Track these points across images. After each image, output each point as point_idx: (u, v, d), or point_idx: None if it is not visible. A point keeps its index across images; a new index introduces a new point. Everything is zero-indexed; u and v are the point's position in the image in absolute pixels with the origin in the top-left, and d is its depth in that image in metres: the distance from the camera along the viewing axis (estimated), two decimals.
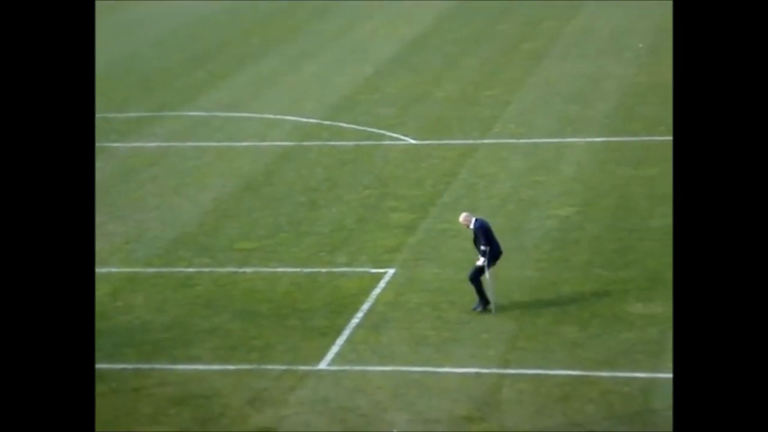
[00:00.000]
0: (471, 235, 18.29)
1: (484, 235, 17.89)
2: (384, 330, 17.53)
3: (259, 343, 17.25)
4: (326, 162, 26.05)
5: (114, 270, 20.41)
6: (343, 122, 29.08)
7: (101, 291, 19.47)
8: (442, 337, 17.22)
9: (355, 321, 17.88)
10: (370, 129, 28.34)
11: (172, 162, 26.59)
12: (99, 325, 18.10)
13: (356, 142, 27.40)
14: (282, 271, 20.02)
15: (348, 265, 20.20)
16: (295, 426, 14.91)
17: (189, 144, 27.87)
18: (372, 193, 23.87)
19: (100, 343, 17.48)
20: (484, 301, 17.93)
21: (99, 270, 20.37)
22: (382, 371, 16.28)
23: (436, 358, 16.58)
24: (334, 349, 16.97)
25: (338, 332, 17.50)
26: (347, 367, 16.46)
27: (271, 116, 29.92)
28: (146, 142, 28.20)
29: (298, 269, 20.08)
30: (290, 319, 18.01)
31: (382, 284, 19.26)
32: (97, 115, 30.73)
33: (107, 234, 22.12)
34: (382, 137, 27.66)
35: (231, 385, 16.04)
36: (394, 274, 19.65)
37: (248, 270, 20.06)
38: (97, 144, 28.00)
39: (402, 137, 27.55)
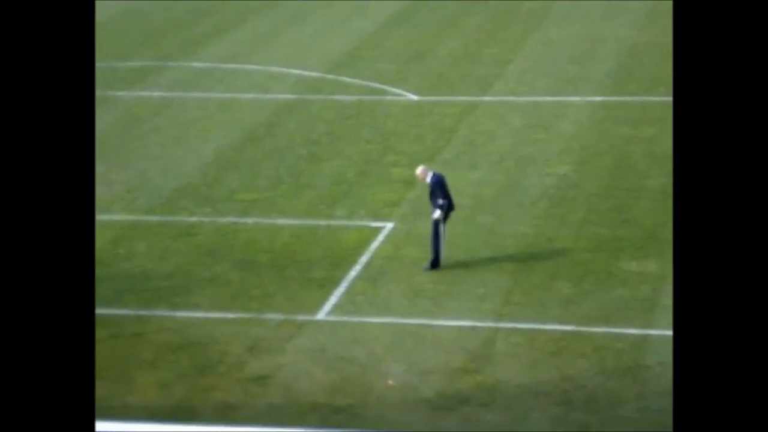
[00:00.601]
0: (428, 189, 18.23)
1: (440, 189, 17.98)
2: (381, 282, 17.78)
3: (258, 293, 17.50)
4: (328, 116, 26.19)
5: (116, 217, 20.63)
6: (346, 77, 29.17)
7: (103, 238, 19.70)
8: (438, 290, 17.47)
9: (353, 273, 18.12)
10: (372, 84, 28.44)
11: (175, 112, 26.71)
12: (100, 271, 18.35)
13: (358, 97, 27.51)
14: (282, 223, 20.24)
15: (347, 218, 20.42)
16: (292, 374, 15.19)
17: (192, 95, 27.98)
18: (373, 147, 24.03)
19: (101, 289, 17.73)
20: (436, 260, 17.90)
21: (101, 217, 20.59)
22: (379, 323, 16.55)
23: (432, 311, 16.84)
24: (332, 300, 17.23)
25: (336, 284, 17.74)
26: (345, 318, 16.72)
27: (275, 69, 30.01)
28: (150, 91, 28.31)
29: (298, 221, 20.30)
30: (289, 270, 18.25)
31: (380, 238, 19.48)
32: (102, 64, 30.81)
33: (109, 182, 22.31)
34: (384, 92, 27.77)
35: (230, 332, 16.30)
36: (393, 228, 19.87)
37: (248, 221, 20.28)
38: (101, 93, 28.12)
39: (403, 93, 27.66)
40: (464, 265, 18.26)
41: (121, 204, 21.29)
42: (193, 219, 20.51)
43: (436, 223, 17.97)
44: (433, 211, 18.01)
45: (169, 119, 26.23)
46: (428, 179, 18.16)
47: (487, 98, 27.04)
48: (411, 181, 21.97)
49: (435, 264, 18.04)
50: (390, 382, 14.98)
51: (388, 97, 27.38)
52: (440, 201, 17.92)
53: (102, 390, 14.85)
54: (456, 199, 21.07)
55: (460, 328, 16.33)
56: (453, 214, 18.40)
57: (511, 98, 27.00)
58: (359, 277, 17.98)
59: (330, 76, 29.25)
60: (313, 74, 29.45)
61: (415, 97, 27.36)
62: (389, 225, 20.01)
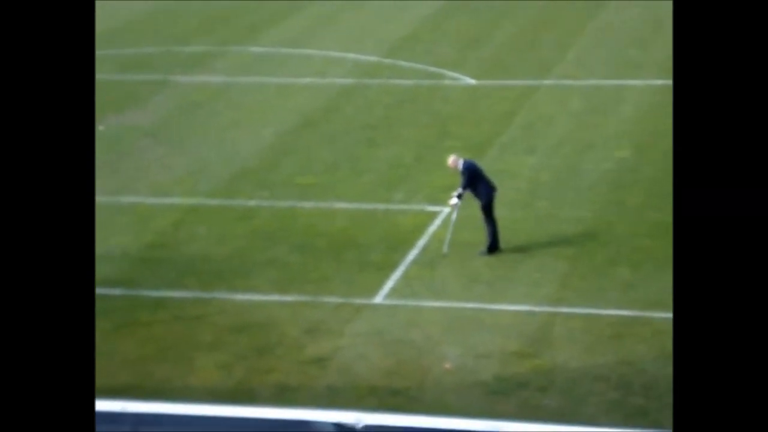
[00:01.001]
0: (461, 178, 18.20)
1: (467, 176, 17.98)
2: (438, 267, 17.80)
3: (315, 276, 17.61)
4: (385, 100, 26.21)
5: (176, 201, 20.86)
6: (403, 61, 29.17)
7: (165, 221, 19.94)
8: (495, 274, 17.46)
9: (410, 257, 18.17)
10: (429, 68, 28.41)
11: (234, 97, 26.91)
12: (162, 253, 18.60)
13: (416, 81, 27.50)
14: (339, 207, 20.33)
15: (405, 202, 20.46)
16: (349, 356, 15.29)
17: (251, 79, 28.16)
18: (430, 132, 24.02)
19: (163, 271, 17.96)
20: (494, 246, 17.92)
21: (162, 201, 20.85)
22: (436, 306, 16.58)
23: (489, 296, 16.84)
24: (389, 284, 17.29)
25: (393, 267, 17.80)
26: (402, 302, 16.78)
27: (332, 54, 30.09)
28: (209, 76, 28.54)
29: (355, 205, 20.38)
30: (347, 254, 18.34)
31: (437, 222, 19.49)
32: (162, 49, 31.13)
33: (170, 166, 22.56)
34: (441, 77, 27.73)
35: (288, 315, 16.44)
36: (450, 213, 19.86)
37: (306, 205, 20.40)
38: (161, 77, 28.42)
39: (461, 77, 27.60)
40: (521, 249, 18.22)
41: (182, 188, 21.52)
42: (252, 203, 20.68)
43: (486, 209, 17.97)
44: (489, 199, 17.97)
45: (227, 104, 26.43)
46: (460, 166, 18.15)
47: (545, 82, 26.88)
48: None
49: (492, 248, 18.01)
50: (447, 365, 15.02)
51: (446, 82, 27.34)
52: (460, 189, 17.97)
53: (163, 371, 15.08)
54: (514, 184, 21.00)
55: (516, 312, 16.31)
56: (503, 198, 18.32)
57: (570, 82, 26.82)
58: (416, 261, 18.03)
59: (387, 61, 29.27)
60: (371, 58, 29.49)
61: (473, 82, 27.29)
62: (446, 209, 20.00)
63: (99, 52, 30.98)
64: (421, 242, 18.68)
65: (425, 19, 33.06)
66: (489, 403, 14.15)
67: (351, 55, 29.85)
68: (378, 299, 16.88)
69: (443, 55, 29.42)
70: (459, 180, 18.31)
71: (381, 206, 20.29)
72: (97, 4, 37.19)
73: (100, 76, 28.82)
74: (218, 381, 14.82)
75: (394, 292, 17.07)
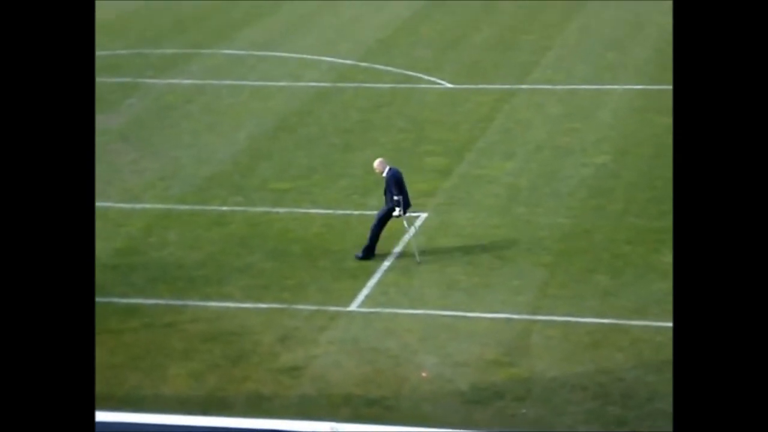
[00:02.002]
0: (386, 183, 18.05)
1: (396, 184, 17.82)
2: (415, 274, 17.55)
3: (290, 283, 17.33)
4: (361, 104, 25.97)
5: (148, 206, 20.52)
6: (379, 64, 28.93)
7: (135, 226, 19.60)
8: (472, 282, 17.23)
9: (386, 264, 17.90)
10: (406, 72, 28.19)
11: (208, 100, 26.59)
12: (133, 260, 18.26)
13: (392, 85, 27.27)
14: (315, 212, 20.05)
15: (380, 208, 20.17)
16: (324, 365, 15.01)
17: (224, 82, 27.85)
18: (407, 136, 23.79)
19: (134, 278, 17.63)
20: (370, 251, 17.83)
21: (133, 205, 20.51)
22: (412, 314, 16.33)
23: (467, 303, 16.60)
24: (365, 291, 17.03)
25: (369, 275, 17.54)
26: (377, 309, 16.52)
27: (307, 57, 29.82)
28: (182, 79, 28.20)
29: (330, 211, 20.10)
30: (322, 260, 18.06)
31: (414, 229, 19.23)
32: (133, 51, 30.77)
33: (141, 170, 22.22)
34: (418, 80, 27.51)
35: (262, 323, 16.15)
36: (427, 218, 19.63)
37: (281, 210, 20.11)
38: (133, 79, 28.07)
39: (438, 81, 27.39)
40: (499, 256, 18.00)
41: (153, 192, 21.18)
42: (226, 208, 20.37)
43: (383, 218, 17.86)
44: (393, 208, 17.84)
45: (201, 107, 26.11)
46: (385, 173, 18.01)
47: (523, 86, 26.71)
48: (446, 171, 21.74)
49: (367, 252, 17.87)
50: (423, 374, 14.78)
51: (423, 85, 27.12)
52: (395, 197, 17.79)
53: (134, 379, 14.76)
54: (492, 189, 20.81)
55: (494, 320, 16.08)
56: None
57: (548, 86, 26.66)
58: (392, 268, 17.77)
59: (363, 64, 29.02)
60: (347, 62, 29.24)
61: (450, 85, 27.08)
62: (423, 215, 19.77)
63: None
64: (397, 249, 18.42)
65: (402, 22, 32.86)
66: (466, 412, 13.92)
67: (326, 58, 29.58)
68: (353, 307, 16.62)
69: (420, 58, 29.21)
70: (384, 187, 18.08)
71: (357, 212, 20.03)
72: None
73: None
74: (190, 390, 14.52)
75: (369, 300, 16.81)
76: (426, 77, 27.62)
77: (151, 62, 29.73)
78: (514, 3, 34.23)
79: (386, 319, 16.20)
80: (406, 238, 18.19)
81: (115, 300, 16.94)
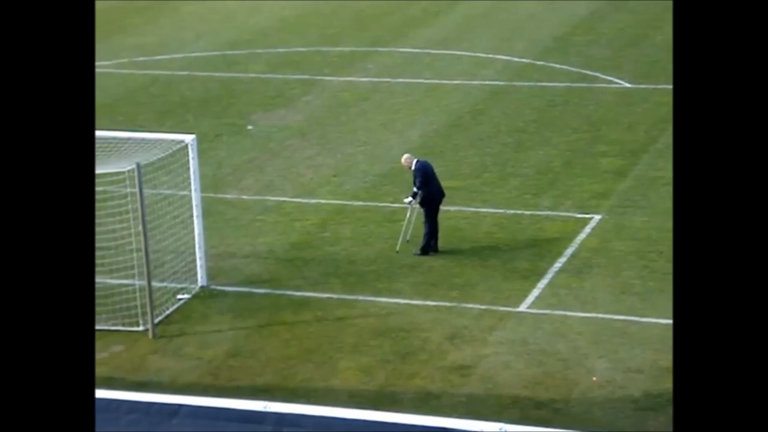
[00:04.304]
0: (413, 176, 18.35)
1: (422, 176, 18.09)
2: (587, 276, 17.29)
3: (460, 281, 17.32)
4: (536, 103, 25.74)
5: (323, 201, 20.87)
6: (555, 63, 28.62)
7: (310, 221, 19.97)
8: (647, 286, 16.85)
9: (557, 265, 17.70)
10: (583, 71, 27.79)
11: (382, 97, 26.84)
12: (307, 253, 18.61)
13: (568, 84, 26.93)
14: (485, 211, 19.99)
15: (553, 208, 19.98)
16: (493, 365, 14.95)
17: (399, 80, 28.06)
18: (582, 136, 23.46)
19: (308, 271, 17.97)
20: (431, 245, 18.05)
21: (309, 200, 20.91)
22: (584, 317, 16.09)
23: (641, 308, 16.24)
24: (535, 292, 16.87)
25: (540, 275, 17.37)
26: (548, 311, 16.35)
27: (482, 55, 29.75)
28: (358, 76, 28.56)
29: (501, 210, 20.00)
30: (492, 260, 17.99)
31: (587, 230, 18.96)
32: (311, 49, 31.35)
33: (317, 165, 22.61)
34: (595, 79, 27.08)
35: (431, 320, 16.20)
36: (601, 220, 19.31)
37: (452, 208, 20.13)
38: (310, 77, 28.60)
39: (616, 80, 26.90)
40: None
41: (328, 188, 21.53)
42: (397, 205, 20.51)
43: (430, 211, 18.13)
44: (410, 199, 18.21)
45: (375, 104, 26.38)
46: (412, 166, 18.28)
47: None
48: (622, 172, 21.33)
49: (426, 249, 18.10)
50: (594, 378, 14.54)
51: (600, 85, 26.68)
52: (414, 189, 18.10)
53: (306, 371, 15.04)
54: (669, 192, 20.27)
55: (669, 326, 15.67)
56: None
57: None
58: (563, 270, 17.55)
59: (539, 62, 28.76)
60: (522, 60, 29.02)
61: (628, 85, 26.56)
62: (596, 217, 19.46)
63: (250, 51, 31.44)
64: (569, 251, 18.18)
65: (579, 20, 32.41)
66: (638, 418, 13.63)
67: (502, 57, 29.45)
68: (523, 307, 16.49)
69: (597, 57, 28.74)
70: (413, 180, 18.33)
71: (528, 212, 19.87)
72: (250, 4, 37.82)
73: (250, 74, 29.25)
74: (360, 384, 14.69)
75: (539, 301, 16.65)
76: (603, 76, 27.16)
77: (330, 60, 30.22)
78: None
79: (557, 321, 16.02)
80: (407, 231, 18.37)
81: (290, 293, 17.29)
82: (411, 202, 18.24)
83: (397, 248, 18.25)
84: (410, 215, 18.38)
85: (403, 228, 18.39)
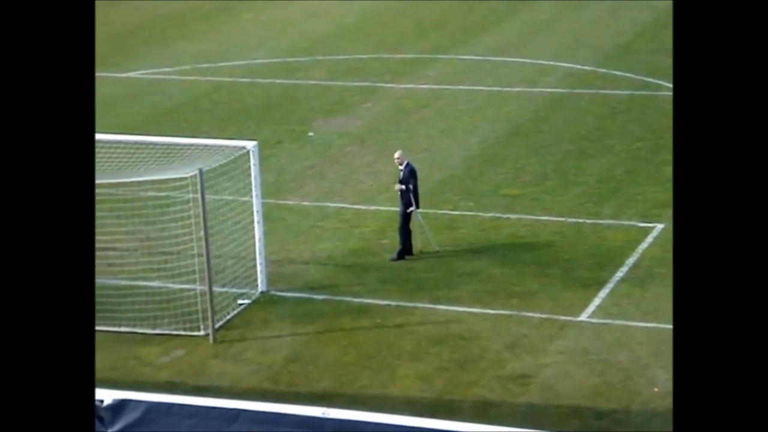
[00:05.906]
0: (400, 175, 18.45)
1: (413, 178, 18.28)
2: (649, 286, 17.10)
3: (519, 290, 17.22)
4: (598, 111, 25.54)
5: (381, 208, 20.87)
6: (618, 70, 28.38)
7: (369, 228, 19.99)
8: None
9: (619, 275, 17.53)
10: (645, 78, 27.53)
11: (443, 105, 26.81)
12: (366, 260, 18.62)
13: (630, 92, 26.69)
14: (546, 219, 19.86)
15: (615, 217, 19.79)
16: (553, 375, 14.84)
17: (460, 87, 28.01)
18: (644, 144, 23.22)
19: (366, 278, 17.98)
20: (404, 251, 18.22)
21: (368, 207, 20.92)
22: (645, 327, 15.91)
23: None
24: (596, 302, 16.72)
25: (601, 285, 17.21)
26: (609, 321, 16.19)
27: (544, 62, 29.59)
28: (418, 83, 28.55)
29: (562, 218, 19.86)
30: (552, 268, 17.86)
31: (649, 239, 18.76)
32: (372, 56, 31.41)
33: (376, 172, 22.63)
34: (658, 87, 26.81)
35: (490, 328, 16.12)
36: (663, 230, 19.09)
37: (512, 216, 20.03)
38: (371, 84, 28.65)
39: None
40: None
41: (387, 195, 21.52)
42: (456, 212, 20.47)
43: (406, 216, 18.27)
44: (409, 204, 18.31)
45: (436, 111, 26.35)
46: (403, 165, 18.43)
47: None
48: None
49: (402, 254, 18.23)
50: (655, 389, 14.37)
51: (663, 93, 26.40)
52: (410, 186, 18.25)
53: (364, 378, 15.04)
54: None
55: None
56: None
57: None
58: (625, 279, 17.37)
59: (601, 70, 28.54)
60: (584, 67, 28.82)
61: None
62: (659, 226, 19.24)
63: (310, 58, 31.57)
64: (631, 260, 18.00)
65: (642, 28, 32.11)
66: None
67: (563, 64, 29.26)
68: (583, 317, 16.34)
69: (661, 65, 28.44)
70: (399, 178, 18.50)
71: (589, 221, 19.70)
72: (310, 11, 37.98)
73: (311, 81, 29.38)
74: (418, 392, 14.66)
75: (600, 311, 16.49)
76: (667, 84, 26.87)
77: (390, 66, 30.25)
78: None
79: (618, 331, 15.85)
80: (428, 233, 18.53)
81: (348, 299, 17.31)
82: (413, 209, 18.37)
83: (437, 247, 18.48)
84: (419, 218, 18.59)
85: (426, 229, 18.62)
